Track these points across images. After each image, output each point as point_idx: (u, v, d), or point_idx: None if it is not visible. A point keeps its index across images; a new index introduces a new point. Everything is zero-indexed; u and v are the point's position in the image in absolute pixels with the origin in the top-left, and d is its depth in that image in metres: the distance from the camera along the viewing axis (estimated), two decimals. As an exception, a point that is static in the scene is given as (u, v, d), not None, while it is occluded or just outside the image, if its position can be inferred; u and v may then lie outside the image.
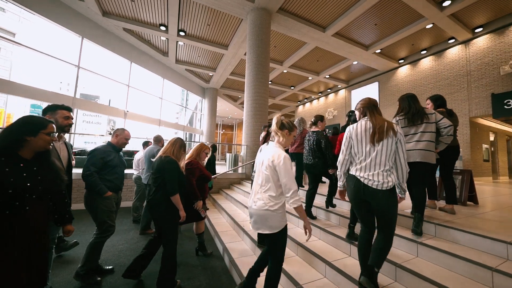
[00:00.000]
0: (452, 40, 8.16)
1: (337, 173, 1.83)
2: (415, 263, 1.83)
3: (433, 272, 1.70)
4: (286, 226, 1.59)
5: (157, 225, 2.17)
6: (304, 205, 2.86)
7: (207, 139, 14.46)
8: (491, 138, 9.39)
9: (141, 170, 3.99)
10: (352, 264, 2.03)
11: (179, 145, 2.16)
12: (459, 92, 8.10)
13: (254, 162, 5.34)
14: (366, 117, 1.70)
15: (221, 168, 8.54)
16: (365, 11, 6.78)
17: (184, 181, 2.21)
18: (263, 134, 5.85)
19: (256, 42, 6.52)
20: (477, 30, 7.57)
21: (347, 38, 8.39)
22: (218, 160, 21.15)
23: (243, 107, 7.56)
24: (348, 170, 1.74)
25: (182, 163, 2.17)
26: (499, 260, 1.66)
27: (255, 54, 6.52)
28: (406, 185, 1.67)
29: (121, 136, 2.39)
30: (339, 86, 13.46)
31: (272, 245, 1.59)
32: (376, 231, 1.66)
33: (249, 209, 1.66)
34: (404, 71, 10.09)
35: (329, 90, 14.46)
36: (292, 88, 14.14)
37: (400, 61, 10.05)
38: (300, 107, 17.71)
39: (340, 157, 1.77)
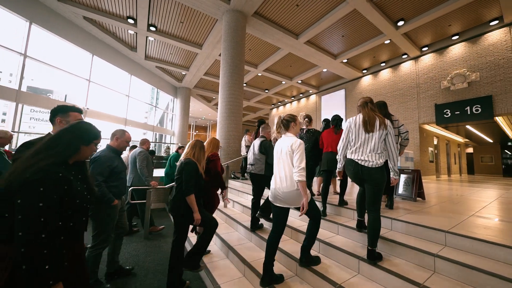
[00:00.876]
0: (405, 56, 9.27)
1: (337, 157, 2.27)
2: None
3: (385, 261, 1.90)
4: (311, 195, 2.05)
5: (175, 225, 2.14)
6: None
7: (179, 140, 13.86)
8: (435, 142, 10.88)
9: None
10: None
11: (198, 147, 2.24)
12: (410, 101, 9.22)
13: (242, 158, 5.28)
14: (360, 112, 2.15)
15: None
16: (334, 23, 7.31)
17: (202, 185, 2.22)
18: (246, 137, 5.85)
19: (231, 44, 6.52)
20: (424, 49, 8.74)
21: (318, 46, 8.91)
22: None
23: (217, 108, 7.45)
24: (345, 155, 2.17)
25: (203, 164, 2.26)
26: (439, 247, 1.93)
27: (230, 56, 6.51)
28: (397, 168, 2.01)
29: (122, 139, 2.30)
30: (310, 91, 14.18)
31: (308, 212, 1.92)
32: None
33: (275, 190, 1.94)
34: (367, 80, 11.11)
35: (301, 95, 15.13)
36: (267, 91, 14.44)
37: (364, 71, 11.04)
38: (274, 110, 18.16)
39: (340, 144, 2.21)
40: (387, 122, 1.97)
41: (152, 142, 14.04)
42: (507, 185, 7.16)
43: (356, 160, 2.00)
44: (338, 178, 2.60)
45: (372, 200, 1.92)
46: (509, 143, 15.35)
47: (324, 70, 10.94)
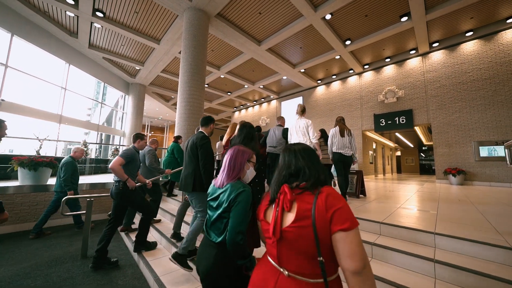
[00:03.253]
0: (351, 71, 10.64)
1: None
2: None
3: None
4: None
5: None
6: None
7: (130, 142, 12.45)
8: (374, 146, 12.76)
9: None
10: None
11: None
12: (355, 111, 10.59)
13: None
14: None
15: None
16: (293, 34, 7.85)
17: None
18: (223, 142, 5.49)
19: (192, 43, 6.28)
20: (365, 66, 10.21)
21: (278, 54, 9.40)
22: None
23: (175, 108, 7.03)
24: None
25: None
26: (375, 236, 2.26)
27: (191, 55, 6.27)
28: (357, 155, 3.74)
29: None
30: (271, 96, 14.79)
31: None
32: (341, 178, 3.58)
33: None
34: (321, 90, 12.27)
35: (263, 99, 15.63)
36: (229, 93, 14.40)
37: (318, 81, 12.16)
38: (237, 113, 18.22)
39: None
40: (351, 131, 3.73)
41: (96, 144, 12.24)
42: (422, 181, 8.93)
43: (339, 152, 3.58)
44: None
45: (348, 171, 3.72)
46: (424, 148, 19.18)
47: (284, 77, 11.59)
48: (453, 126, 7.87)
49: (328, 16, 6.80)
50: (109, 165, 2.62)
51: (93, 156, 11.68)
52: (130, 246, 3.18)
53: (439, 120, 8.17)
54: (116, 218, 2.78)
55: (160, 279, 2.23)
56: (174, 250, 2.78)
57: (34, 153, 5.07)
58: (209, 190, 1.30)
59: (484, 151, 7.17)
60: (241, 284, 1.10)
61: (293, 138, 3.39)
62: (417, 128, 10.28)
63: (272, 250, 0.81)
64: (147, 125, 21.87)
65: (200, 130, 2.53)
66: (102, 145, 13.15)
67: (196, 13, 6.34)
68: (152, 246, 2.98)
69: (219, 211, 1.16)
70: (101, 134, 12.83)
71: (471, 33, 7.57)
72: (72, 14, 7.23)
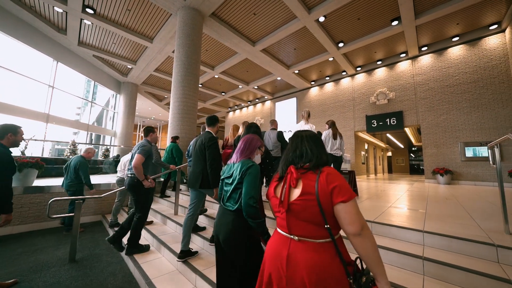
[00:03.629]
0: (344, 73, 10.82)
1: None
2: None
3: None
4: None
5: None
6: None
7: (122, 142, 12.21)
8: (366, 147, 13.00)
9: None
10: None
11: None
12: (348, 112, 10.77)
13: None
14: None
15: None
16: (287, 36, 7.91)
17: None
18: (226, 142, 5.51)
19: (186, 42, 6.22)
20: (358, 68, 10.40)
21: (273, 55, 9.45)
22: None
23: (169, 108, 6.94)
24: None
25: None
26: (367, 235, 2.30)
27: (185, 54, 6.21)
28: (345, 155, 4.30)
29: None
30: (265, 97, 14.83)
31: None
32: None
33: None
34: (314, 91, 12.40)
35: (257, 100, 15.66)
36: (223, 94, 14.34)
37: (312, 83, 12.29)
38: (231, 113, 18.17)
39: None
40: (342, 135, 4.22)
41: (86, 144, 11.89)
42: (412, 181, 9.17)
43: (331, 153, 3.89)
44: None
45: (339, 170, 4.09)
46: (413, 148, 19.71)
47: (279, 78, 11.65)
48: (441, 128, 8.13)
49: (321, 19, 6.89)
50: (132, 164, 2.73)
51: (82, 157, 11.34)
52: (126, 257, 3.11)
53: (428, 121, 8.42)
54: (147, 210, 2.95)
55: (152, 282, 2.19)
56: (165, 251, 2.75)
57: (19, 154, 4.88)
58: (223, 169, 1.55)
59: (469, 152, 7.45)
60: (256, 255, 1.32)
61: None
62: (407, 129, 10.56)
63: (282, 221, 0.95)
64: (139, 125, 21.46)
65: (207, 130, 2.67)
66: (92, 145, 12.81)
67: (190, 12, 6.29)
68: (145, 248, 2.93)
69: (234, 184, 1.39)
70: (91, 134, 12.50)
71: (457, 38, 7.85)
72: (60, 10, 7.02)
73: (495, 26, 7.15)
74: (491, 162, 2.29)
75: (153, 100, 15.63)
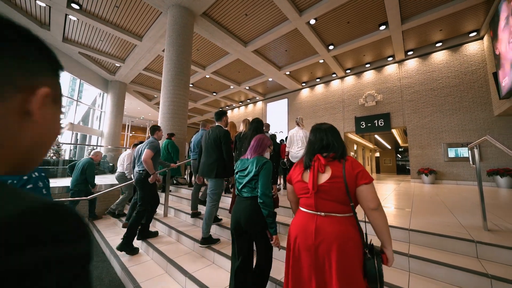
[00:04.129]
0: (334, 75, 11.04)
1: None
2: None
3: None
4: None
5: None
6: None
7: (109, 143, 11.82)
8: (355, 147, 13.31)
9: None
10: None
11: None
12: (338, 113, 10.99)
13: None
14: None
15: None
16: (279, 37, 7.97)
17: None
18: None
19: (177, 41, 6.13)
20: (347, 71, 10.65)
21: (264, 56, 9.49)
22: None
23: (158, 107, 6.82)
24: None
25: None
26: (356, 234, 2.35)
27: (176, 53, 6.11)
28: None
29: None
30: (257, 98, 14.86)
31: None
32: None
33: (296, 153, 3.85)
34: (305, 92, 12.57)
35: (248, 101, 15.66)
36: (215, 94, 14.24)
37: (303, 84, 12.45)
38: (229, 112, 18.02)
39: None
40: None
41: (70, 144, 11.43)
42: (398, 180, 9.49)
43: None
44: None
45: None
46: (400, 149, 20.40)
47: (270, 79, 11.71)
48: (425, 129, 8.46)
49: (312, 21, 7.00)
50: (142, 158, 2.95)
51: (67, 157, 10.89)
52: (109, 253, 3.01)
53: (414, 123, 8.74)
54: (150, 205, 3.13)
55: (140, 286, 2.14)
56: (154, 253, 2.69)
57: None
58: (237, 164, 1.79)
59: (451, 152, 7.81)
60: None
61: (293, 146, 3.92)
62: (394, 131, 10.91)
63: (308, 201, 1.15)
64: (128, 125, 20.86)
65: (217, 124, 2.93)
66: (78, 145, 12.32)
67: (181, 11, 6.21)
68: (135, 251, 2.86)
69: (249, 177, 1.63)
70: (77, 134, 12.03)
71: (440, 44, 8.22)
72: (43, 4, 6.71)
73: (475, 33, 7.55)
74: (471, 162, 2.41)
75: (142, 100, 15.27)
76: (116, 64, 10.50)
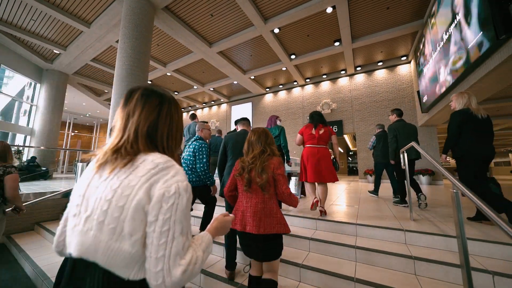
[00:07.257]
0: (296, 83, 11.77)
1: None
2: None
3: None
4: None
5: None
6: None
7: (42, 142, 9.90)
8: (313, 151, 14.37)
9: None
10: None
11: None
12: (298, 119, 11.73)
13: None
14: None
15: (68, 183, 6.20)
16: (244, 42, 8.09)
17: None
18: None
19: (133, 33, 5.60)
20: (307, 80, 11.50)
21: (229, 59, 9.48)
22: (64, 172, 15.04)
23: (109, 104, 6.08)
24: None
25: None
26: (312, 231, 2.54)
27: (131, 46, 5.57)
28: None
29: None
30: (221, 100, 14.68)
31: None
32: None
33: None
34: (269, 97, 13.02)
35: (213, 102, 15.33)
36: (176, 93, 13.48)
37: (267, 89, 12.88)
38: (184, 114, 17.18)
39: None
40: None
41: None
42: (349, 181, 10.65)
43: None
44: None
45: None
46: (350, 153, 22.95)
47: (235, 82, 11.74)
48: (370, 135, 9.75)
49: (276, 30, 7.35)
50: None
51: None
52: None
53: (361, 130, 9.98)
54: None
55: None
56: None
57: None
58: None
59: (389, 156, 9.18)
60: None
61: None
62: (345, 136, 12.24)
63: (313, 141, 2.97)
64: (69, 122, 17.79)
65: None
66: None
67: (139, 1, 5.71)
68: None
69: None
70: (-6, 132, 9.69)
71: (381, 63, 9.67)
72: None
73: (404, 57, 9.15)
74: (402, 164, 2.90)
75: (89, 94, 13.33)
76: (55, 51, 8.94)
